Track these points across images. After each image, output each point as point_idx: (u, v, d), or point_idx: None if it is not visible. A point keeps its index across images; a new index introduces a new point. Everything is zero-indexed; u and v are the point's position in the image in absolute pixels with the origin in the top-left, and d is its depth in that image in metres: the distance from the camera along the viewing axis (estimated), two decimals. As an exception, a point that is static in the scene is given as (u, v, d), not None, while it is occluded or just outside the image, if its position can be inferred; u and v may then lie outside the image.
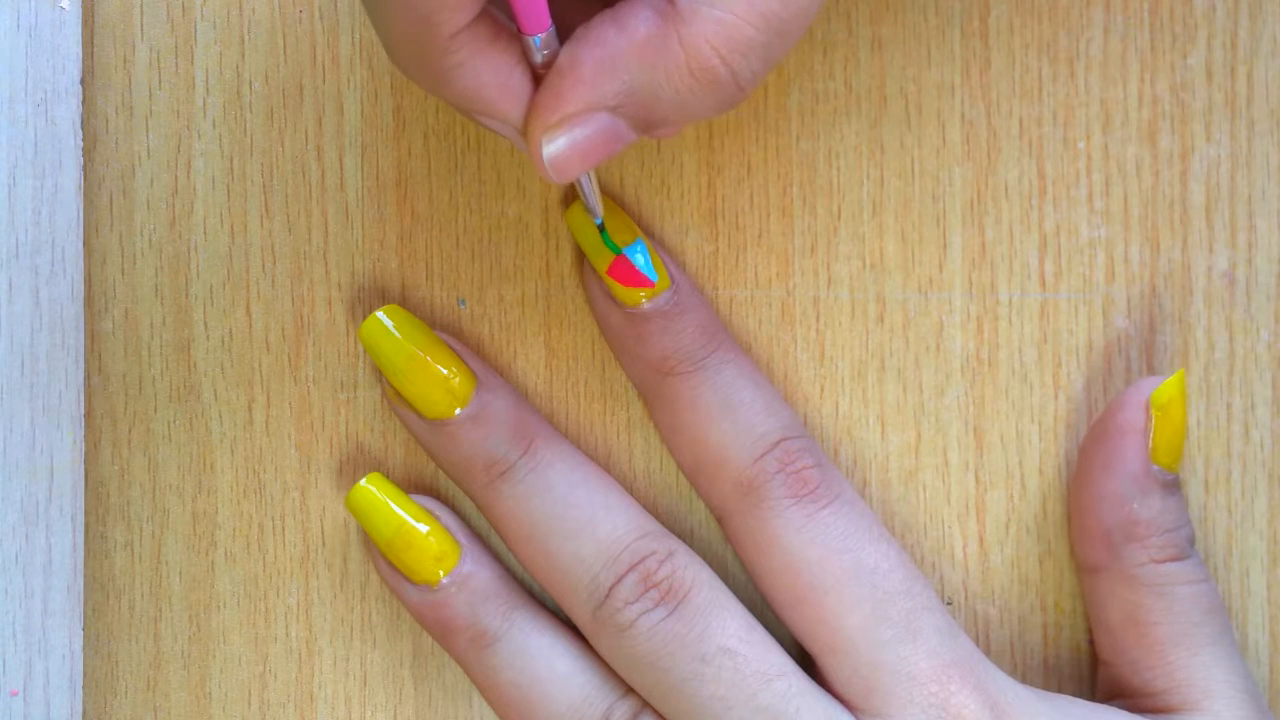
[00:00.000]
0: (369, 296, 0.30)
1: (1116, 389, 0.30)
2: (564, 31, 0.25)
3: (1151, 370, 0.30)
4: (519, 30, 0.24)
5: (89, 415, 0.30)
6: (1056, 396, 0.30)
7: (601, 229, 0.29)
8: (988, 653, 0.30)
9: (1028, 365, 0.30)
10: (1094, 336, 0.30)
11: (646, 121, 0.25)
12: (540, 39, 0.24)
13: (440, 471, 0.30)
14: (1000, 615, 0.31)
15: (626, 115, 0.25)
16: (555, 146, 0.25)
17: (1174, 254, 0.30)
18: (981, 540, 0.30)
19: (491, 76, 0.24)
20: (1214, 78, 0.30)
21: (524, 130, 0.25)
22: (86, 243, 0.30)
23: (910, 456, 0.30)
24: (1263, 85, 0.30)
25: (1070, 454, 0.30)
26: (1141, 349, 0.30)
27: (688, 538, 0.30)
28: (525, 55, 0.24)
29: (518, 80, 0.24)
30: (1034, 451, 0.30)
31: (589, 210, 0.28)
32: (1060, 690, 0.30)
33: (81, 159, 0.30)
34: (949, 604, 0.30)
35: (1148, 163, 0.30)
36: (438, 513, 0.29)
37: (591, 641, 0.28)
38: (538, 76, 0.25)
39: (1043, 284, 0.30)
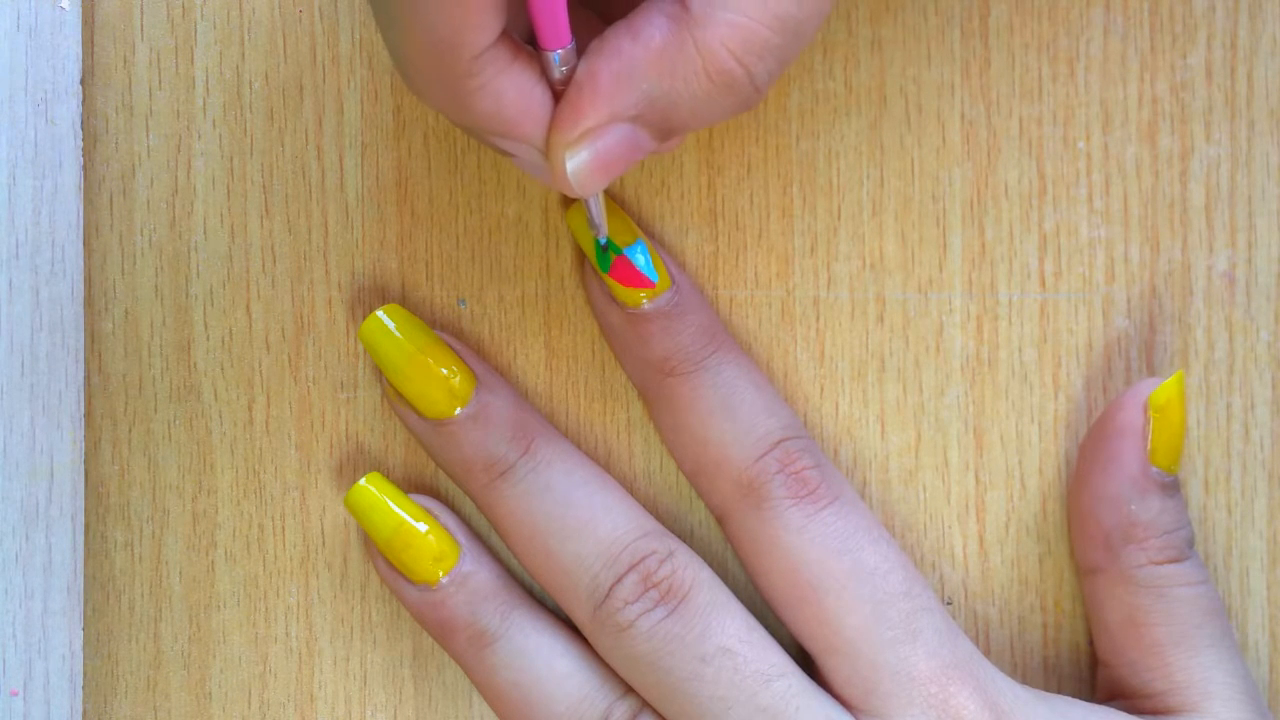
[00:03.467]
0: (369, 296, 0.30)
1: (1116, 389, 0.30)
2: (577, 47, 0.24)
3: (1151, 370, 0.30)
4: (539, 46, 0.24)
5: (89, 415, 0.30)
6: (1056, 396, 0.30)
7: (605, 248, 0.29)
8: (988, 653, 0.30)
9: (1028, 365, 0.30)
10: (1094, 336, 0.30)
11: (666, 129, 0.25)
12: (560, 54, 0.24)
13: (440, 471, 0.30)
14: (1000, 615, 0.31)
15: (646, 124, 0.24)
16: (578, 160, 0.25)
17: (1174, 254, 0.30)
18: (981, 540, 0.30)
19: (513, 96, 0.24)
20: (1214, 78, 0.30)
21: (545, 147, 0.25)
22: (86, 243, 0.30)
23: (910, 456, 0.30)
24: (1263, 85, 0.30)
25: (1070, 454, 0.30)
26: (1141, 349, 0.30)
27: (688, 538, 0.30)
28: (544, 73, 0.24)
29: (538, 99, 0.24)
30: (1034, 451, 0.30)
31: (593, 227, 0.28)
32: (1060, 690, 0.30)
33: (81, 159, 0.30)
34: (949, 604, 0.30)
35: (1148, 163, 0.30)
36: (437, 512, 0.29)
37: (591, 641, 0.28)
38: (556, 94, 0.24)
39: (1043, 284, 0.30)
